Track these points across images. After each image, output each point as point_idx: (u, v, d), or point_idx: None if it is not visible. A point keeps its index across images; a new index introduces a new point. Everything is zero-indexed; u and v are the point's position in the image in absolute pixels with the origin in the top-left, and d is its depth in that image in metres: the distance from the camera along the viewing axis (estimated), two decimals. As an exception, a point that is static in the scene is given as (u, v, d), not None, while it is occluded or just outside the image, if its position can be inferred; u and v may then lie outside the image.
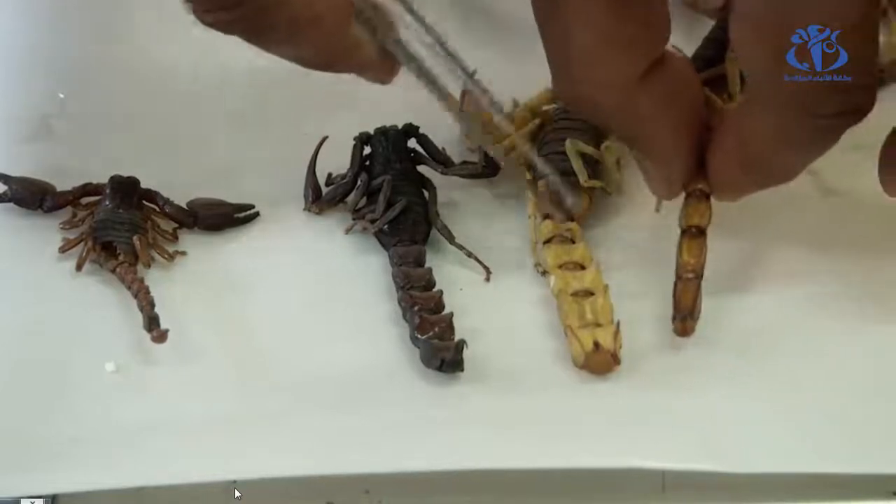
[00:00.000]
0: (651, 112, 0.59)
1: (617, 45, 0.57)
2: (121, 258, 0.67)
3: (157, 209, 0.70)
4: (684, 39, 0.74)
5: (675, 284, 0.63)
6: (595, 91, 0.58)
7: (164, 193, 0.70)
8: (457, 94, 0.61)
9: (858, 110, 0.57)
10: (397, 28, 0.59)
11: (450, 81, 0.60)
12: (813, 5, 0.54)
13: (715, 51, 0.68)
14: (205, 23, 0.57)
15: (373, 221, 0.69)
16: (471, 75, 0.60)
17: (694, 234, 0.63)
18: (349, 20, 0.58)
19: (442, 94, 0.60)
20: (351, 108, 0.74)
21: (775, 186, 0.62)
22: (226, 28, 0.57)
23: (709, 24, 0.75)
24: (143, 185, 0.70)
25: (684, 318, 0.62)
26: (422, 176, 0.71)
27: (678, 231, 0.65)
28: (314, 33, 0.58)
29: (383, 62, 0.60)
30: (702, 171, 0.62)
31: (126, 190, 0.70)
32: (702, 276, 0.63)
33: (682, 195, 0.64)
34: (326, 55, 0.60)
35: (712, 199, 0.63)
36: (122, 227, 0.68)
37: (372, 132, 0.72)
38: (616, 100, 0.58)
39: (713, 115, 0.62)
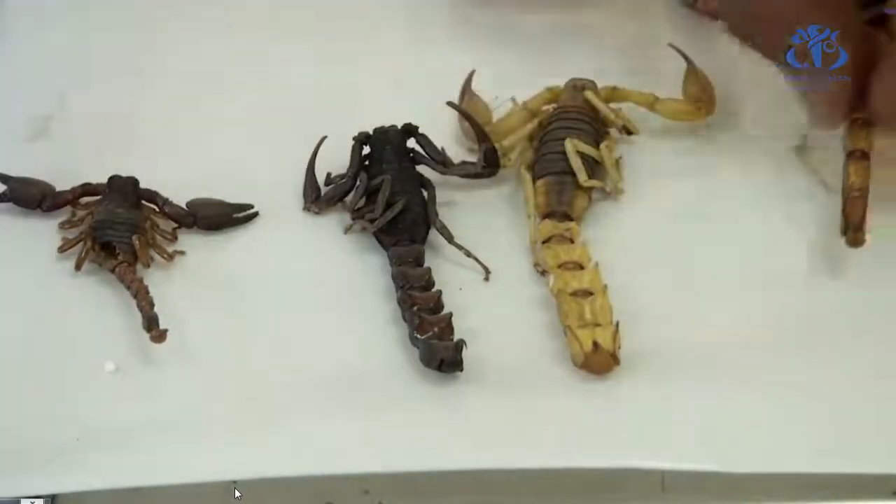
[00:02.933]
0: (819, 29, 0.61)
1: None
2: (120, 258, 0.67)
3: (157, 209, 0.70)
4: (685, 39, 0.75)
5: (844, 203, 0.65)
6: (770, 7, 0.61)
7: (164, 193, 0.70)
8: None
9: None
10: None
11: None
12: None
13: None
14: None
15: (372, 221, 0.69)
16: None
17: (859, 157, 0.65)
18: None
19: None
20: (351, 108, 0.74)
21: None
22: None
23: (709, 24, 0.76)
24: (143, 185, 0.70)
25: (856, 229, 0.64)
26: (421, 176, 0.71)
27: (678, 231, 0.66)
28: None
29: None
30: (863, 102, 0.64)
31: (125, 190, 0.70)
32: (867, 193, 0.65)
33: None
34: None
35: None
36: (122, 226, 0.68)
37: (371, 132, 0.72)
38: (790, 15, 0.60)
39: (876, 50, 0.64)
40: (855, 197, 0.65)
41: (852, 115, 0.65)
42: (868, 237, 0.64)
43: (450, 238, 0.69)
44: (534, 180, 0.70)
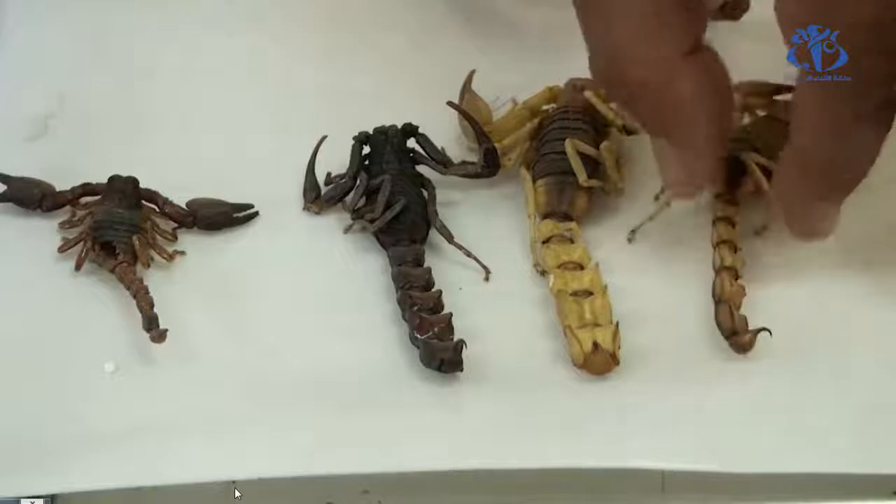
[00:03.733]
0: (690, 94, 0.59)
1: (660, 26, 0.58)
2: (120, 258, 0.67)
3: (157, 209, 0.70)
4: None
5: (716, 310, 0.63)
6: (638, 70, 0.59)
7: (164, 193, 0.70)
8: None
9: None
10: None
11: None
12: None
13: None
14: None
15: (372, 221, 0.69)
16: None
17: (729, 273, 0.64)
18: None
19: None
20: (350, 107, 0.74)
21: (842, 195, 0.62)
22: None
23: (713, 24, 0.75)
24: (143, 185, 0.70)
25: (747, 333, 0.62)
26: (421, 176, 0.71)
27: (677, 232, 0.65)
28: None
29: None
30: (732, 200, 0.65)
31: (125, 190, 0.70)
32: (740, 305, 0.63)
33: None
34: None
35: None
36: (122, 226, 0.68)
37: (371, 132, 0.72)
38: (659, 78, 0.59)
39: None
40: (730, 307, 0.63)
41: (720, 214, 0.66)
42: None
43: (450, 238, 0.69)
44: (534, 180, 0.70)
